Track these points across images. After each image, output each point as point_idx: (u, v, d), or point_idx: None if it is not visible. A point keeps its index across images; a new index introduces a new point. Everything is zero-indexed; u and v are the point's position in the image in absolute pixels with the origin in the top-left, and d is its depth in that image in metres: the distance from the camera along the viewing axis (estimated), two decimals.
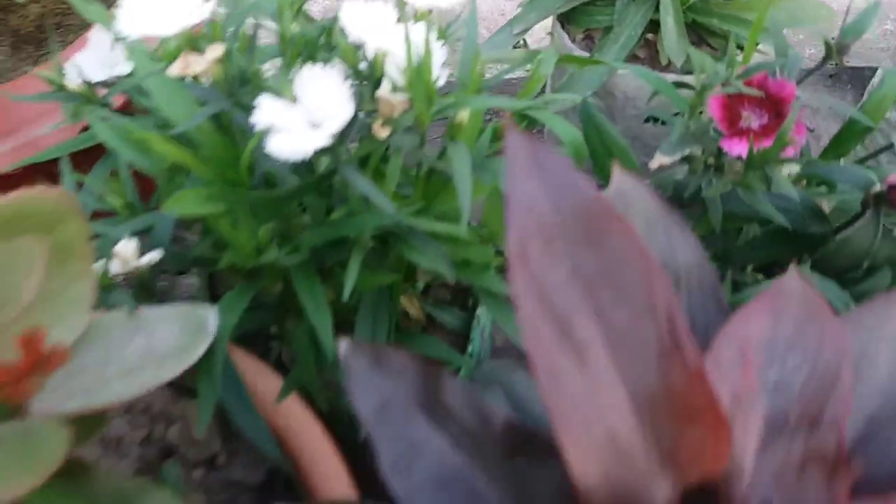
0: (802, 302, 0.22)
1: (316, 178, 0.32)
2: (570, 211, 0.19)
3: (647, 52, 0.65)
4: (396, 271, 0.38)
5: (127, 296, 0.31)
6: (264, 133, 0.29)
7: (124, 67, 0.38)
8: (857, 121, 0.42)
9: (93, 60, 0.39)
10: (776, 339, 0.21)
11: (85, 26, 0.57)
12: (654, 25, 0.62)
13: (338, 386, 0.40)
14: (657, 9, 0.61)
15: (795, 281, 0.22)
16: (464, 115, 0.32)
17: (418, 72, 0.30)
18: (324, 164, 0.32)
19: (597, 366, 0.19)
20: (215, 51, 0.30)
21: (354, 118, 0.30)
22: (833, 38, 0.44)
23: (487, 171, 0.35)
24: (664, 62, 0.63)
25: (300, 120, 0.29)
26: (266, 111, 0.29)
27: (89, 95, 0.38)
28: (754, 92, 0.38)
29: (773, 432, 0.21)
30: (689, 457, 0.20)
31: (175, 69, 0.30)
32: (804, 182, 0.42)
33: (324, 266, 0.36)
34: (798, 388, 0.21)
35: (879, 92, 0.42)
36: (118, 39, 0.33)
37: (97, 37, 0.39)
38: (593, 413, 0.19)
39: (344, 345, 0.27)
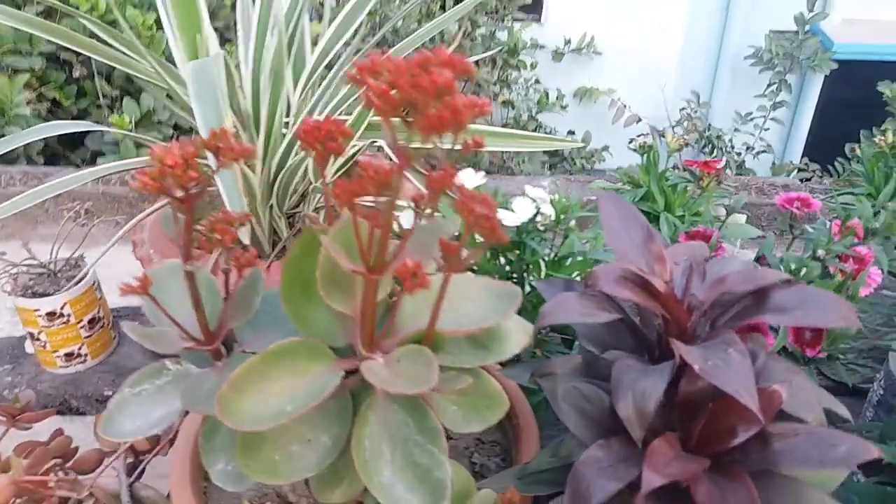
0: (695, 246, 0.69)
1: (517, 240, 0.82)
2: (624, 215, 0.68)
3: None
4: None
5: None
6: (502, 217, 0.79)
7: None
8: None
9: None
10: (688, 253, 0.67)
11: None
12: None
13: None
14: (658, 224, 1.14)
15: (698, 244, 0.70)
16: (572, 223, 0.82)
17: (560, 205, 0.81)
18: (517, 235, 0.82)
19: (625, 240, 0.66)
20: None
21: (532, 218, 0.81)
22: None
23: (589, 252, 0.84)
24: None
25: (513, 215, 0.80)
26: (503, 213, 0.80)
27: None
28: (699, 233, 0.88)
29: (683, 272, 0.66)
30: (657, 269, 0.65)
31: None
32: None
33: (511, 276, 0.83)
34: (691, 260, 0.66)
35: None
36: None
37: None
38: (625, 250, 0.66)
39: (535, 281, 0.74)
